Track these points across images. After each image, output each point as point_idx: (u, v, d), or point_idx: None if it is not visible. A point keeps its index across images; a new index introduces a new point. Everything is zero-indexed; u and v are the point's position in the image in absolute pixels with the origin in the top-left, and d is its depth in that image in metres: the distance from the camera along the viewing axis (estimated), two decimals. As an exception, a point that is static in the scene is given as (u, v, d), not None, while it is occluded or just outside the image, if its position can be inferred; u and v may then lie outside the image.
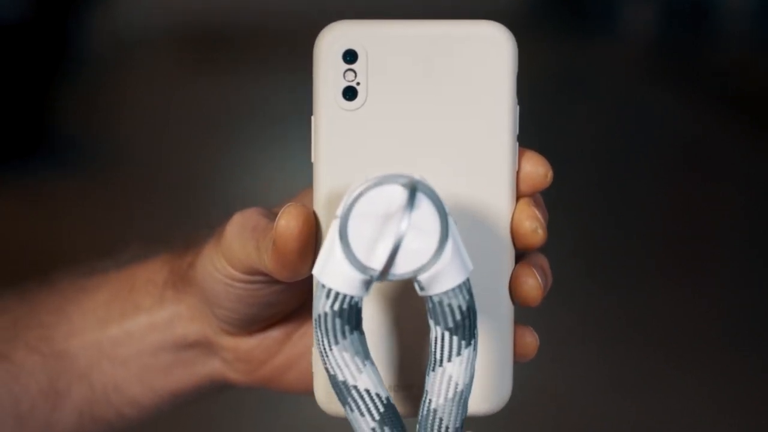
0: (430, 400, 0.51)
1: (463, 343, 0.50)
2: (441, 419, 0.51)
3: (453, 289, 0.49)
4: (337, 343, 0.49)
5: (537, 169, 0.55)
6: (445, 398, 0.50)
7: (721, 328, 2.19)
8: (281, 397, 0.58)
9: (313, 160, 0.54)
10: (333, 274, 0.49)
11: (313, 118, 0.54)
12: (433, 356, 0.50)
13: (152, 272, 0.65)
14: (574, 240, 2.44)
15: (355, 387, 0.50)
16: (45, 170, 2.77)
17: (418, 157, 0.54)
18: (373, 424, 0.50)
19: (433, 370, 0.50)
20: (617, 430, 1.92)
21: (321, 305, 0.49)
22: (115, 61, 3.50)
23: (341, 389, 0.50)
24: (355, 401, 0.50)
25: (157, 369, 0.65)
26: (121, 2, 3.77)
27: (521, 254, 0.56)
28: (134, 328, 0.65)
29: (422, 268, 0.49)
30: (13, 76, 3.01)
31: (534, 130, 3.08)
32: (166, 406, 0.66)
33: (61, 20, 3.29)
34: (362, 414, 0.50)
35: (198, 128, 3.02)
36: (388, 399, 0.50)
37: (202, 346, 0.64)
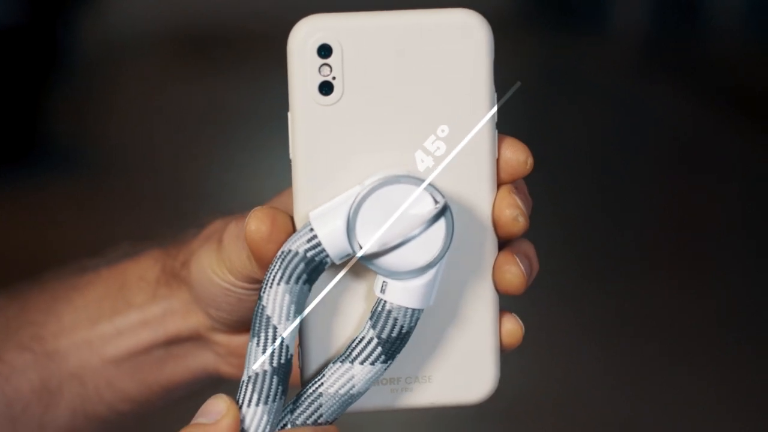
0: (321, 383, 0.52)
1: (383, 357, 0.52)
2: (321, 405, 0.52)
3: (407, 309, 0.51)
4: (287, 283, 0.51)
5: (517, 156, 0.54)
6: (336, 392, 0.52)
7: (718, 324, 2.18)
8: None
9: (291, 156, 0.54)
10: (326, 227, 0.51)
11: (289, 114, 0.53)
12: (349, 351, 0.52)
13: (144, 269, 0.65)
14: (569, 238, 2.43)
15: (275, 328, 0.51)
16: (37, 174, 2.76)
17: (397, 150, 0.53)
18: (266, 367, 0.51)
19: (341, 362, 0.52)
20: (614, 427, 1.92)
21: (297, 244, 0.51)
22: (106, 65, 3.49)
23: (262, 322, 0.51)
24: (266, 338, 0.51)
25: (150, 364, 0.65)
26: (111, 7, 3.76)
27: (507, 241, 0.56)
28: (125, 325, 0.65)
29: (400, 275, 0.51)
30: (4, 81, 3.00)
31: (527, 129, 3.08)
32: (159, 401, 0.66)
33: (51, 25, 3.28)
34: (264, 353, 0.51)
35: (190, 131, 3.01)
36: (290, 357, 0.51)
37: (195, 340, 0.64)
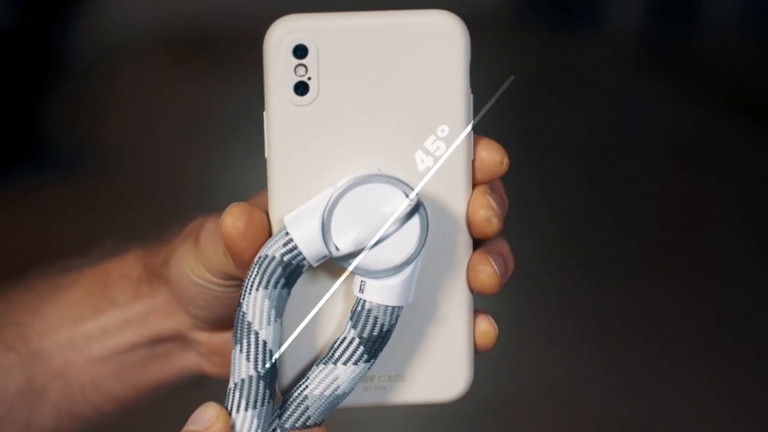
0: (306, 386, 0.52)
1: (365, 357, 0.52)
2: (308, 407, 0.52)
3: (387, 307, 0.52)
4: (266, 288, 0.51)
5: (493, 156, 0.54)
6: (322, 394, 0.52)
7: (718, 324, 2.18)
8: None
9: (267, 156, 0.54)
10: (301, 230, 0.51)
11: (265, 114, 0.53)
12: (331, 352, 0.52)
13: (126, 268, 0.65)
14: (569, 238, 2.43)
15: (257, 334, 0.51)
16: (34, 175, 2.76)
17: (372, 151, 0.53)
18: (252, 373, 0.51)
19: (325, 363, 0.52)
20: (614, 427, 1.91)
21: (273, 248, 0.51)
22: (103, 66, 3.49)
23: (243, 329, 0.51)
24: (249, 345, 0.51)
25: (134, 364, 0.65)
26: (107, 8, 3.76)
27: (482, 241, 0.56)
28: (109, 324, 0.65)
29: (377, 274, 0.51)
30: (1, 83, 3.00)
31: (526, 129, 3.08)
32: (144, 400, 0.66)
33: (48, 27, 3.29)
34: (248, 359, 0.51)
35: (187, 131, 3.02)
36: (275, 362, 0.52)
37: (178, 340, 0.64)
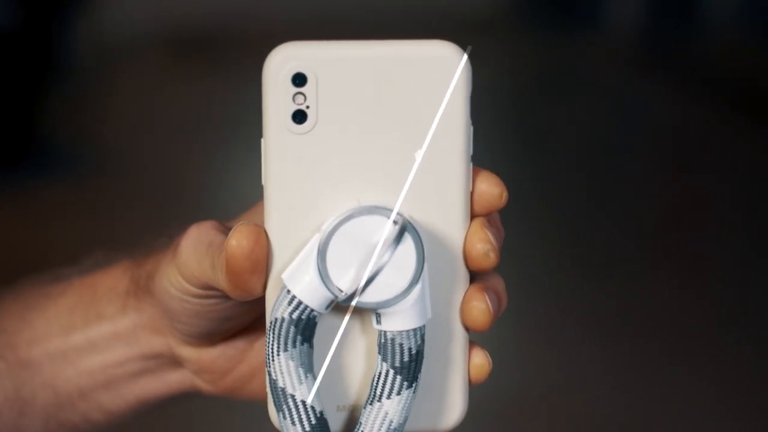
0: (362, 431, 0.52)
1: (405, 384, 0.52)
2: None
3: (408, 331, 0.52)
4: (286, 350, 0.51)
5: (492, 189, 0.54)
6: None
7: (718, 324, 2.18)
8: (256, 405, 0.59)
9: (263, 182, 0.53)
10: (301, 283, 0.51)
11: (262, 140, 0.53)
12: (373, 390, 0.52)
13: (114, 280, 0.64)
14: (569, 238, 2.43)
15: (293, 396, 0.51)
16: (33, 176, 2.76)
17: (369, 180, 0.53)
18: None
19: (371, 404, 0.52)
20: (614, 427, 1.91)
21: (280, 310, 0.51)
22: (103, 67, 3.49)
23: (279, 395, 0.52)
24: (290, 409, 0.51)
25: (124, 377, 0.64)
26: (107, 9, 3.76)
27: (478, 274, 0.56)
28: (98, 337, 0.64)
29: (387, 303, 0.51)
30: (0, 84, 3.00)
31: (523, 128, 3.07)
32: (134, 412, 0.65)
33: (47, 28, 3.28)
34: (293, 423, 0.51)
35: (185, 133, 3.01)
36: (321, 413, 0.52)
37: (168, 356, 0.63)
